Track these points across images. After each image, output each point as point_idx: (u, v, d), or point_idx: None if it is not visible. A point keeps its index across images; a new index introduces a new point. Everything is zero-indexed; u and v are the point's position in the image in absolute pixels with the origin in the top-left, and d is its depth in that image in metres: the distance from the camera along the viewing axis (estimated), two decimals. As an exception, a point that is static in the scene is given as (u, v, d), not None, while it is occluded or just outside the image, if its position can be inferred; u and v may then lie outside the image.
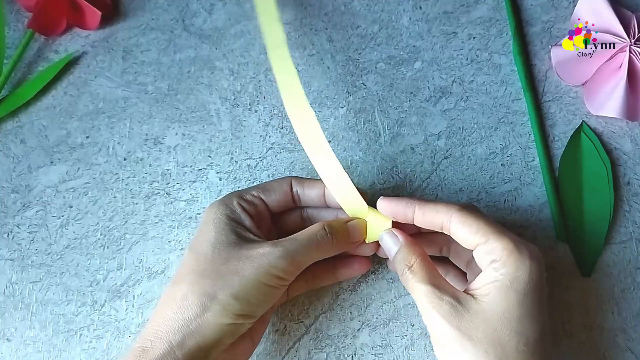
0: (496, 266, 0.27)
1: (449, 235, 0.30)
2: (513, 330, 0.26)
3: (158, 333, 0.28)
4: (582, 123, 0.40)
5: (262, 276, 0.29)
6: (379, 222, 0.33)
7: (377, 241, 0.33)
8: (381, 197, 0.32)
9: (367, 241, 0.33)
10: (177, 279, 0.30)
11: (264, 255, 0.29)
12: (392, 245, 0.31)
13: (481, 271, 0.29)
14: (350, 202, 0.33)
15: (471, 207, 0.30)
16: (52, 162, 0.40)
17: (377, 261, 0.37)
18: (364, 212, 0.33)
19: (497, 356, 0.26)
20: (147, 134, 0.41)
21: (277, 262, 0.29)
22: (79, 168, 0.40)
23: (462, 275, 0.34)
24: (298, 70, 0.42)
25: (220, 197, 0.33)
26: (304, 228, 0.32)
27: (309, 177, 0.39)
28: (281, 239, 0.30)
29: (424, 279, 0.29)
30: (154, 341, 0.28)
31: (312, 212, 0.35)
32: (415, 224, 0.31)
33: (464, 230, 0.29)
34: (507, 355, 0.26)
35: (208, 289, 0.28)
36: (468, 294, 0.28)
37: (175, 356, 0.27)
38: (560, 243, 0.37)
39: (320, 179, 0.33)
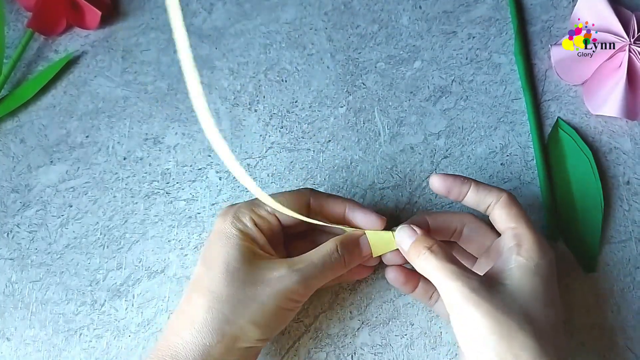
0: (521, 251, 0.28)
1: (466, 221, 0.33)
2: (540, 309, 0.27)
3: (176, 356, 0.28)
4: (557, 119, 0.40)
5: (280, 301, 0.29)
6: (381, 237, 0.33)
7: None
8: (434, 173, 0.32)
9: (372, 255, 0.33)
10: (192, 298, 0.30)
11: (281, 280, 0.29)
12: (408, 237, 0.31)
13: (496, 257, 0.30)
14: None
15: (513, 195, 0.31)
16: (51, 162, 0.40)
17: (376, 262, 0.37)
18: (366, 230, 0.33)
19: (530, 331, 0.26)
20: (146, 134, 0.41)
21: (294, 286, 0.29)
22: (78, 167, 0.40)
23: (467, 261, 0.34)
24: (298, 70, 0.42)
25: (232, 205, 0.32)
26: (311, 235, 0.32)
27: (309, 176, 0.39)
28: (296, 259, 0.30)
29: (446, 258, 0.28)
30: None
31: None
32: (463, 201, 0.32)
33: (504, 212, 0.30)
34: (539, 330, 0.26)
35: (228, 315, 0.28)
36: (491, 277, 0.28)
37: None
38: (560, 243, 0.37)
39: (340, 196, 0.33)
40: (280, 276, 0.29)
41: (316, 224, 0.32)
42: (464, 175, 0.32)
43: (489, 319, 0.26)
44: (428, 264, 0.29)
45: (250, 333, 0.29)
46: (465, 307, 0.27)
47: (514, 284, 0.27)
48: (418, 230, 0.31)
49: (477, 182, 0.31)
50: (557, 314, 0.28)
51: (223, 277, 0.29)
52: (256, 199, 0.31)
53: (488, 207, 0.31)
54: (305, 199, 0.32)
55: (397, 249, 0.32)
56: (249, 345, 0.29)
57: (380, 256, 0.34)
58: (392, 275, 0.34)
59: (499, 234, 0.32)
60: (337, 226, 0.33)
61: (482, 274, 0.29)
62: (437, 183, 0.32)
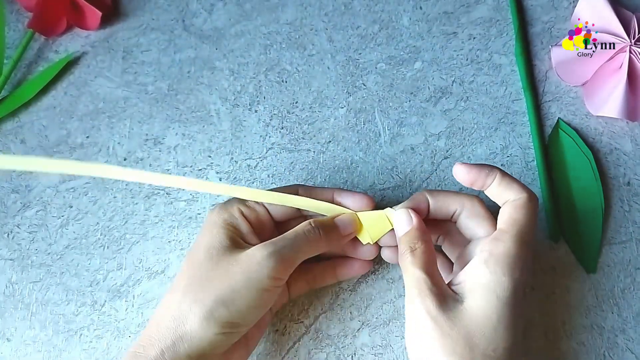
0: (489, 261, 0.28)
1: (450, 225, 0.33)
2: (486, 335, 0.27)
3: (150, 339, 0.28)
4: (557, 120, 0.40)
5: (251, 278, 0.28)
6: (379, 223, 0.33)
7: (377, 245, 0.34)
8: (458, 162, 0.31)
9: (370, 242, 0.33)
10: (173, 286, 0.30)
11: (252, 257, 0.29)
12: (404, 224, 0.31)
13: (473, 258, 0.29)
14: (334, 211, 0.33)
15: (535, 200, 0.30)
16: (52, 162, 0.40)
17: (377, 261, 0.37)
18: (356, 215, 0.33)
19: (463, 356, 0.26)
20: (147, 134, 0.41)
21: (265, 262, 0.28)
22: (79, 168, 0.40)
23: (449, 266, 0.34)
24: (298, 71, 0.42)
25: (223, 201, 0.33)
26: None
27: (309, 177, 0.39)
28: (270, 240, 0.30)
29: (422, 265, 0.29)
30: (146, 346, 0.28)
31: (317, 219, 0.35)
32: (486, 192, 0.31)
33: (509, 213, 0.29)
34: (481, 354, 0.26)
35: (198, 295, 0.28)
36: (453, 291, 0.28)
37: None
38: (561, 244, 0.37)
39: (328, 187, 0.33)
40: (251, 253, 0.29)
41: (307, 204, 0.32)
42: (490, 165, 0.31)
43: (432, 334, 0.27)
44: (404, 264, 0.30)
45: (217, 313, 0.27)
46: (416, 316, 0.28)
47: (467, 302, 0.27)
48: (414, 219, 0.31)
49: (504, 174, 0.30)
50: (510, 340, 0.27)
51: (200, 262, 0.29)
52: None
53: (505, 203, 0.30)
54: (294, 191, 0.33)
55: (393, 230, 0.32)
56: (219, 331, 0.28)
57: (378, 247, 0.34)
58: (387, 253, 0.34)
59: (495, 223, 0.31)
60: (327, 204, 0.33)
61: (459, 269, 0.29)
62: (461, 174, 0.31)
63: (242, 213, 0.32)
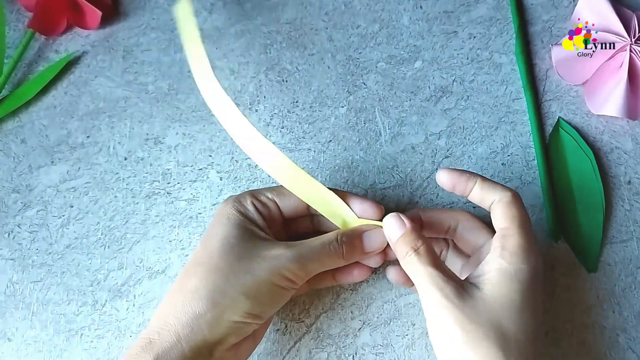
0: (504, 254, 0.28)
1: (462, 219, 0.33)
2: (513, 318, 0.27)
3: (166, 325, 0.28)
4: (558, 119, 0.40)
5: (273, 277, 0.29)
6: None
7: (383, 252, 0.33)
8: (441, 168, 0.32)
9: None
10: (187, 272, 0.30)
11: (277, 257, 0.29)
12: (397, 228, 0.31)
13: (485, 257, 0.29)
14: (333, 211, 0.33)
15: (518, 195, 0.31)
16: (52, 162, 0.40)
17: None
18: (352, 220, 0.32)
19: (496, 341, 0.26)
20: (147, 134, 0.41)
21: (289, 264, 0.29)
22: (79, 168, 0.40)
23: (461, 258, 0.34)
24: (298, 70, 0.42)
25: (234, 195, 0.33)
26: (314, 234, 0.32)
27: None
28: (295, 242, 0.30)
29: (430, 262, 0.29)
30: (161, 332, 0.28)
31: (323, 219, 0.35)
32: (468, 197, 0.31)
33: (502, 211, 0.30)
34: (506, 341, 0.26)
35: (220, 285, 0.28)
36: (471, 282, 0.28)
37: (182, 349, 0.27)
38: (561, 243, 0.37)
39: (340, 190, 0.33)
40: (276, 253, 0.29)
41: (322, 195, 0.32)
42: (471, 171, 0.31)
43: (458, 326, 0.27)
44: (412, 265, 0.29)
45: (241, 304, 0.28)
46: (437, 312, 0.27)
47: (489, 289, 0.27)
48: (407, 223, 0.31)
49: (484, 179, 0.31)
50: (535, 323, 0.27)
51: (219, 252, 0.29)
52: (257, 189, 0.33)
53: (491, 204, 0.31)
54: None
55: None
56: (239, 320, 0.28)
57: (384, 256, 0.34)
58: (392, 275, 0.34)
59: (494, 233, 0.31)
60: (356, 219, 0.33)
61: (467, 275, 0.29)
62: (443, 178, 0.31)
63: (255, 207, 0.32)
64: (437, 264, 0.29)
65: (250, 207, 0.32)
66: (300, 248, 0.30)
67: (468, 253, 0.34)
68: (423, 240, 0.30)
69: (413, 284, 0.33)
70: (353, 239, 0.32)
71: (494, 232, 0.31)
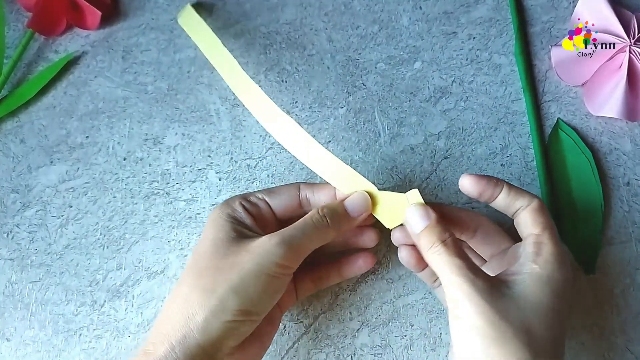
0: (538, 260, 0.28)
1: (482, 223, 0.33)
2: (543, 322, 0.26)
3: (160, 334, 0.28)
4: (557, 120, 0.40)
5: (262, 266, 0.28)
6: (399, 207, 0.31)
7: (377, 232, 0.33)
8: (465, 173, 0.31)
9: (390, 227, 0.32)
10: (180, 280, 0.30)
11: (261, 245, 0.29)
12: (421, 219, 0.30)
13: (512, 261, 0.29)
14: (356, 187, 0.32)
15: (543, 202, 0.31)
16: (51, 162, 0.40)
17: (377, 261, 0.37)
18: (376, 195, 0.32)
19: (525, 341, 0.26)
20: (146, 134, 0.41)
21: (274, 249, 0.29)
22: (78, 168, 0.40)
23: (478, 262, 0.34)
24: (298, 71, 0.42)
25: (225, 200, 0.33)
26: None
27: (309, 177, 0.39)
28: (279, 230, 0.30)
29: (459, 254, 0.28)
30: (156, 343, 0.28)
31: (326, 204, 0.34)
32: (492, 204, 0.31)
33: (531, 218, 0.29)
34: (535, 341, 0.26)
35: (208, 285, 0.28)
36: (501, 280, 0.28)
37: (176, 357, 0.27)
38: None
39: (329, 183, 0.33)
40: (261, 242, 0.29)
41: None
42: (494, 176, 0.31)
43: (485, 320, 0.26)
44: (439, 257, 0.29)
45: (230, 302, 0.28)
46: (465, 304, 0.27)
47: (521, 290, 0.27)
48: (432, 214, 0.30)
49: (510, 185, 0.30)
50: (561, 331, 0.27)
51: (207, 254, 0.30)
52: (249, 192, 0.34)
53: (516, 211, 0.30)
54: (296, 186, 0.34)
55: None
56: (230, 319, 0.28)
57: (378, 235, 0.33)
58: (404, 254, 0.33)
59: (512, 241, 0.32)
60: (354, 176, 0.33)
61: (493, 275, 0.29)
62: (468, 185, 0.30)
63: (244, 207, 0.32)
64: (466, 256, 0.28)
65: (239, 208, 0.32)
66: (284, 231, 0.30)
67: (485, 258, 0.34)
68: (450, 232, 0.29)
69: (423, 268, 0.33)
70: (334, 207, 0.32)
71: (513, 239, 0.31)
